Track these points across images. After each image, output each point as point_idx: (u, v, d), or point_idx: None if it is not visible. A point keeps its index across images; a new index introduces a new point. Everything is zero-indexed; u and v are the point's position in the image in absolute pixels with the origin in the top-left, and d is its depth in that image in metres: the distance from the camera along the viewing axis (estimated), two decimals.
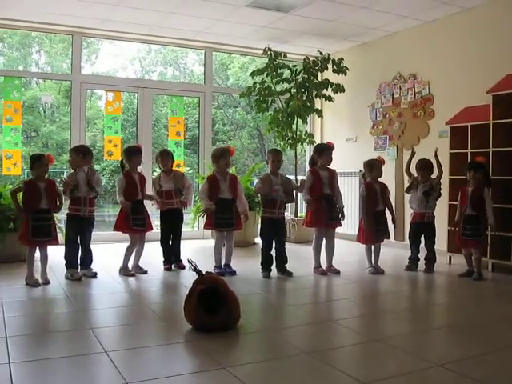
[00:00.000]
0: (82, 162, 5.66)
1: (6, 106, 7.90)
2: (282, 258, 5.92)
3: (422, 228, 6.25)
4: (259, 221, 6.34)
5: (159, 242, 6.28)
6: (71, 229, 5.65)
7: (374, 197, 6.09)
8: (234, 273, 5.90)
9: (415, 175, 6.26)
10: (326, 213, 5.93)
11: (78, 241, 5.69)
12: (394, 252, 7.29)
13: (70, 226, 5.66)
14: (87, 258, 5.75)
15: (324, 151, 6.05)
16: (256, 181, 6.59)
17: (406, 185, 6.45)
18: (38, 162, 5.23)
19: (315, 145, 6.79)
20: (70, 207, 5.62)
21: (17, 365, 3.04)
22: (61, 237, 6.15)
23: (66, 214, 5.72)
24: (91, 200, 5.64)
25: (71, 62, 8.51)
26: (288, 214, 8.09)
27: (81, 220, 5.61)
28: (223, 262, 6.01)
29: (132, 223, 5.80)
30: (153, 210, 7.16)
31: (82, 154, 5.69)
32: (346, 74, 8.48)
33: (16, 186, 5.44)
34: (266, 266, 5.86)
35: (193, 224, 8.58)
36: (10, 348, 3.33)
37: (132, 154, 5.94)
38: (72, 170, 5.70)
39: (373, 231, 6.05)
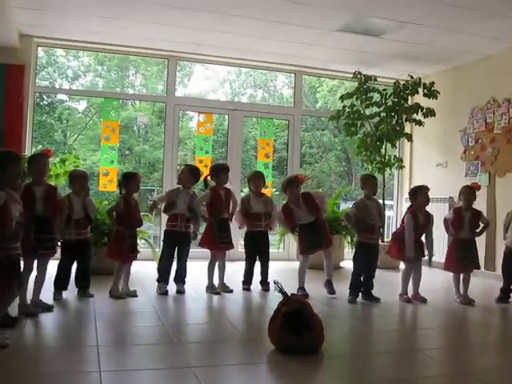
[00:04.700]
0: (190, 183, 5.93)
1: (105, 126, 8.33)
2: (369, 284, 5.85)
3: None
4: (344, 244, 6.27)
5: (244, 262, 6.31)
6: (167, 244, 5.91)
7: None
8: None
9: None
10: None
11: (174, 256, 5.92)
12: (485, 282, 7.02)
13: (166, 241, 5.92)
14: (181, 273, 5.91)
15: (418, 191, 5.88)
16: (344, 204, 6.52)
17: (498, 213, 6.16)
18: (132, 179, 5.55)
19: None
20: (168, 223, 5.88)
21: (106, 374, 3.17)
22: (151, 253, 6.45)
23: (164, 231, 6.00)
24: (187, 217, 5.83)
25: (166, 85, 8.85)
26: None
27: (177, 236, 5.83)
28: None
29: (217, 240, 5.93)
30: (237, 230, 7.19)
31: (194, 177, 5.95)
32: (436, 98, 8.33)
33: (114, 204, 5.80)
34: (354, 290, 5.80)
35: (278, 245, 8.63)
36: (100, 357, 3.47)
37: (220, 171, 6.06)
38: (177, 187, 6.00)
39: (454, 260, 5.87)
